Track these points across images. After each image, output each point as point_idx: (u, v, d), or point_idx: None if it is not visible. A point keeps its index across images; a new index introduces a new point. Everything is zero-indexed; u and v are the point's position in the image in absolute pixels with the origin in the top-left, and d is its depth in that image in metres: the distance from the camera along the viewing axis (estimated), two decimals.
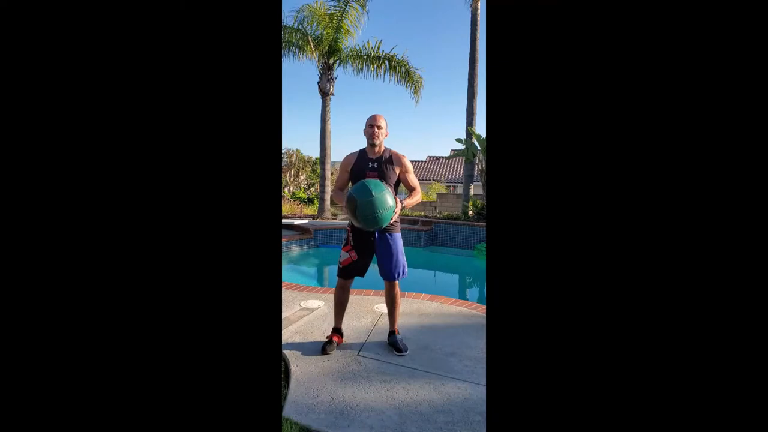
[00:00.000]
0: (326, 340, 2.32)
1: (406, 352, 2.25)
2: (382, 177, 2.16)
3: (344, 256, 2.27)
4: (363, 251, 2.24)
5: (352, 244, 2.25)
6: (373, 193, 1.91)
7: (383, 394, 1.82)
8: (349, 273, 2.27)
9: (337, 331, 2.37)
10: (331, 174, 11.01)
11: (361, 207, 1.90)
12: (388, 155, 2.23)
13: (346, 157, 2.31)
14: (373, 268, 2.34)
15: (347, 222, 2.33)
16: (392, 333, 2.36)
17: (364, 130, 2.23)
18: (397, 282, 2.30)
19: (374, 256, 2.28)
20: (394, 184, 2.21)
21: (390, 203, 1.95)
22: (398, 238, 2.27)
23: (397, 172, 2.22)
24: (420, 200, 2.26)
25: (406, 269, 2.30)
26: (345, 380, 1.94)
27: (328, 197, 10.22)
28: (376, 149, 2.22)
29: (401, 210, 2.10)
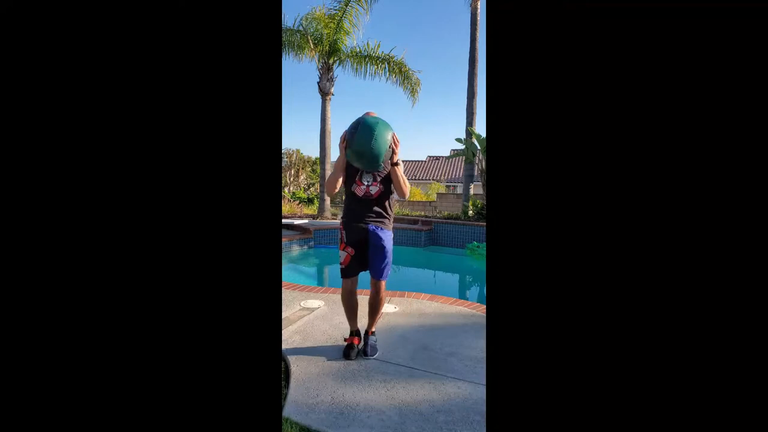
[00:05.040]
0: (346, 343, 2.28)
1: (373, 355, 2.21)
2: (379, 174, 2.16)
3: (343, 255, 2.25)
4: (358, 244, 2.21)
5: (345, 240, 2.23)
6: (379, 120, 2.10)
7: (383, 393, 1.82)
8: (352, 270, 2.24)
9: (356, 333, 2.33)
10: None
11: (365, 119, 2.06)
12: None
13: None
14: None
15: (340, 219, 2.32)
16: (367, 334, 2.31)
17: None
18: (383, 282, 2.25)
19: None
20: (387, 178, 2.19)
21: (389, 136, 2.06)
22: (390, 236, 2.25)
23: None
24: (406, 185, 2.20)
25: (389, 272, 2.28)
26: (345, 380, 1.94)
27: (327, 197, 10.21)
28: None
29: (395, 159, 2.11)
